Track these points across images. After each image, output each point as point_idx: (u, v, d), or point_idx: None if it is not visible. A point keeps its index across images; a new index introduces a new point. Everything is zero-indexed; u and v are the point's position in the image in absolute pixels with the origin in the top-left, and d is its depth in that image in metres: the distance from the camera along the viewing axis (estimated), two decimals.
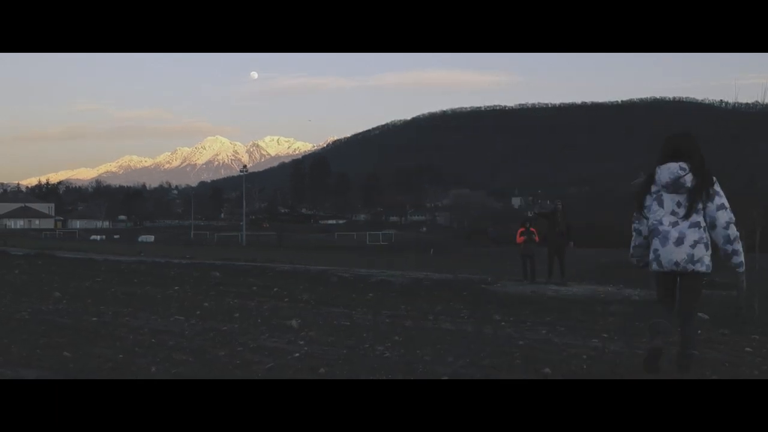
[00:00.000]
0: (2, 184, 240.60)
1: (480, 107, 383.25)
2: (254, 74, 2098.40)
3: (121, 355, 5.07)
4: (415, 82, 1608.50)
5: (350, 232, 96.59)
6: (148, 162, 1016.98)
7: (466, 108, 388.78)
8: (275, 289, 10.41)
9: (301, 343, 5.83)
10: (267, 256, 27.47)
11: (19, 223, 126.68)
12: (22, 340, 5.63)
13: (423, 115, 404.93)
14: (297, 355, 5.17)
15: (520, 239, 16.26)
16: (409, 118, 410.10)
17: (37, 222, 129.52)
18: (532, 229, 16.37)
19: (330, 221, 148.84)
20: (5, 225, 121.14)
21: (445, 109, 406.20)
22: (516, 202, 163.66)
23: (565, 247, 15.11)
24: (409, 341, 5.83)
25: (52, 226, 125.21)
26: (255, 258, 23.08)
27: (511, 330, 6.77)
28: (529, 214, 36.67)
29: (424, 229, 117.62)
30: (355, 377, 4.28)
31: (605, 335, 6.45)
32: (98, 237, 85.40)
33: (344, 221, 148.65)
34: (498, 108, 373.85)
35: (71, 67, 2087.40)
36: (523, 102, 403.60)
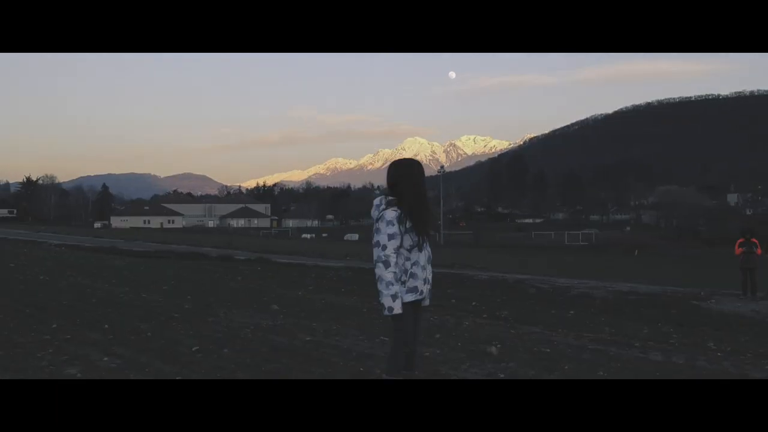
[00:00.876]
0: (226, 186, 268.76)
1: (690, 97, 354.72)
2: (452, 74, 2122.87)
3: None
4: (616, 75, 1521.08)
5: (548, 231, 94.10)
6: (352, 164, 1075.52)
7: (674, 98, 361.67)
8: (473, 303, 10.55)
9: (501, 376, 5.51)
10: (464, 259, 27.91)
11: (240, 222, 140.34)
12: (246, 364, 5.73)
13: (626, 108, 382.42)
14: None
15: (738, 251, 15.09)
16: (611, 111, 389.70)
17: (255, 221, 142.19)
18: (753, 240, 15.14)
19: (527, 220, 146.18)
20: (228, 224, 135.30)
21: (650, 100, 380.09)
22: (732, 199, 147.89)
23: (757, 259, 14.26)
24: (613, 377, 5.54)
25: (268, 225, 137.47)
26: (453, 263, 23.48)
27: (728, 364, 6.17)
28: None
29: (628, 228, 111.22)
30: None
31: None
32: (308, 235, 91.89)
33: (541, 220, 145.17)
34: (710, 97, 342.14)
35: (287, 74, 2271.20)
36: (739, 90, 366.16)
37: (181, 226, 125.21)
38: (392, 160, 4.19)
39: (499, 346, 6.70)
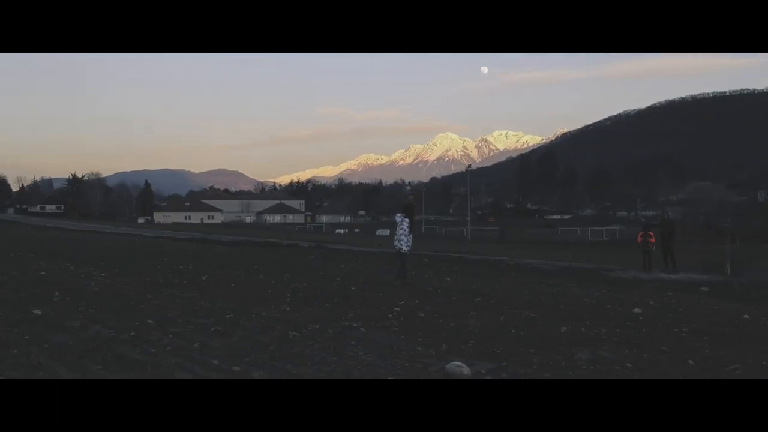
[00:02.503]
0: (261, 182, 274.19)
1: (725, 92, 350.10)
2: (484, 69, 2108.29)
3: None
4: (649, 69, 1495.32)
5: (574, 228, 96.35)
6: (384, 159, 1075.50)
7: (708, 93, 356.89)
8: (455, 267, 14.71)
9: (448, 279, 10.08)
10: (480, 250, 31.67)
11: (276, 218, 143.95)
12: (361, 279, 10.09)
13: (659, 103, 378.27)
14: None
15: (639, 239, 21.50)
16: (643, 107, 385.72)
17: (290, 217, 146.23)
18: (649, 232, 21.30)
19: (555, 216, 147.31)
20: (265, 219, 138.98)
21: (684, 95, 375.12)
22: (762, 195, 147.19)
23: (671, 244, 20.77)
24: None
25: (302, 221, 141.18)
26: (459, 250, 27.47)
27: (593, 291, 11.62)
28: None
29: (654, 224, 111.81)
30: None
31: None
32: (342, 231, 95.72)
33: (570, 216, 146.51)
34: (745, 92, 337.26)
35: (319, 72, 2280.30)
36: None
37: (220, 222, 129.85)
38: (406, 201, 14.12)
39: (449, 279, 12.84)
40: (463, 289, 13.01)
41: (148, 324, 7.60)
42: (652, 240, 21.06)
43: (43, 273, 13.88)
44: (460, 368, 5.51)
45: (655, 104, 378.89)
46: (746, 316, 10.46)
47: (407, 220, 13.59)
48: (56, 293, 10.39)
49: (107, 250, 22.62)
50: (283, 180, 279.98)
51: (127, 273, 14.16)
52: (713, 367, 6.30)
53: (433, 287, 13.13)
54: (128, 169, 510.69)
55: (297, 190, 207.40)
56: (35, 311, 8.53)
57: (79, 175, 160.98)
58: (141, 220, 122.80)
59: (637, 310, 10.70)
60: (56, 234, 39.80)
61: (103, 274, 13.75)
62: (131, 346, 6.54)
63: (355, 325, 8.13)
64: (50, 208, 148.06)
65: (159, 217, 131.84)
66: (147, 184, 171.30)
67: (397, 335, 7.43)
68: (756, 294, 13.71)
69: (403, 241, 13.48)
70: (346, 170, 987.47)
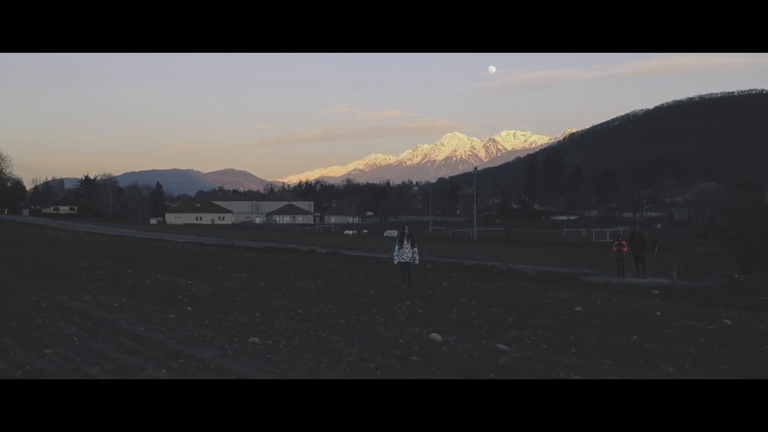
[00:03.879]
0: (269, 182, 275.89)
1: (733, 92, 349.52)
2: (492, 68, 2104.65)
3: None
4: (657, 69, 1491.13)
5: (579, 229, 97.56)
6: (391, 159, 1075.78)
7: (716, 94, 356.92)
8: (453, 273, 16.58)
9: (445, 284, 11.72)
10: (482, 253, 33.35)
11: (285, 219, 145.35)
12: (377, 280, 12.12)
13: (667, 103, 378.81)
14: None
15: (614, 248, 23.78)
16: (651, 107, 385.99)
17: (300, 218, 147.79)
18: (623, 242, 23.42)
19: (561, 217, 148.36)
20: (275, 220, 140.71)
21: (692, 96, 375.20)
22: None
23: (642, 252, 23.14)
24: None
25: (311, 222, 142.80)
26: (460, 255, 29.20)
27: (565, 296, 14.40)
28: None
29: (659, 225, 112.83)
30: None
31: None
32: (350, 232, 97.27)
33: (576, 217, 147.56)
34: (754, 92, 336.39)
35: (326, 72, 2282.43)
36: None
37: (230, 223, 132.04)
38: (407, 232, 16.51)
39: (445, 284, 15.42)
40: (455, 292, 15.96)
41: (256, 315, 11.13)
42: (626, 249, 23.34)
43: (147, 281, 16.17)
44: (435, 336, 9.38)
45: (663, 104, 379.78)
46: (658, 313, 13.22)
47: (411, 240, 16.61)
48: (185, 299, 12.92)
49: (175, 259, 25.06)
50: (291, 180, 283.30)
51: (207, 281, 16.58)
52: (587, 350, 8.91)
53: (431, 291, 16.07)
54: (137, 169, 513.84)
55: (306, 190, 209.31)
56: (186, 307, 11.93)
57: (92, 176, 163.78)
58: (153, 221, 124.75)
59: (578, 308, 13.56)
60: (98, 239, 41.27)
61: (189, 282, 16.31)
62: (264, 327, 10.01)
63: (378, 316, 11.53)
64: (63, 209, 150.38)
65: (170, 218, 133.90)
66: (158, 186, 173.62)
67: (404, 322, 10.96)
68: (694, 297, 16.70)
69: (412, 257, 16.49)
70: (354, 170, 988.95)
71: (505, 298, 15.22)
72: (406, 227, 17.29)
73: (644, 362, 8.00)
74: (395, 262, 16.51)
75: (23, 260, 21.45)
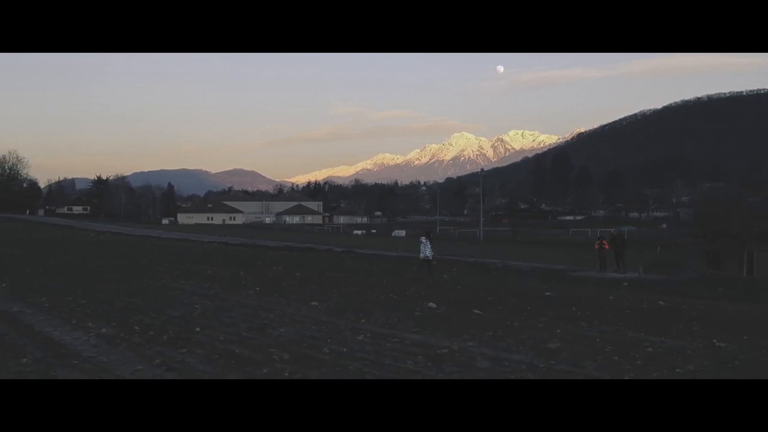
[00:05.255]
0: (278, 182, 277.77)
1: (741, 92, 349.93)
2: (500, 68, 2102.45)
3: None
4: (664, 67, 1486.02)
5: (585, 228, 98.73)
6: (399, 159, 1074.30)
7: (724, 93, 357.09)
8: (454, 269, 18.30)
9: (449, 277, 13.52)
10: (488, 252, 35.02)
11: (295, 219, 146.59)
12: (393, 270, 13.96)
13: (675, 103, 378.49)
14: None
15: (597, 247, 26.47)
16: (659, 107, 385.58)
17: (309, 218, 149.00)
18: (603, 242, 25.99)
19: (567, 217, 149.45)
20: (284, 220, 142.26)
21: (699, 95, 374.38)
22: None
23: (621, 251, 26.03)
24: None
25: (320, 222, 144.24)
26: (465, 254, 30.94)
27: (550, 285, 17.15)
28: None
29: (665, 225, 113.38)
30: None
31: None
32: (359, 232, 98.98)
33: (582, 217, 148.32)
34: (762, 91, 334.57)
35: (333, 71, 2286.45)
36: None
37: (241, 223, 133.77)
38: (427, 230, 22.22)
39: (446, 276, 18.45)
40: (454, 283, 19.12)
41: (307, 292, 15.29)
42: (606, 247, 26.02)
43: (209, 272, 20.09)
44: (432, 305, 13.31)
45: (671, 104, 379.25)
46: (611, 297, 16.47)
47: (429, 241, 20.67)
48: (248, 284, 16.86)
49: (221, 256, 29.34)
50: (299, 180, 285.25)
51: (254, 273, 20.16)
52: (535, 314, 12.61)
53: (435, 281, 19.21)
54: (146, 169, 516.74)
55: (314, 190, 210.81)
56: (255, 287, 16.28)
57: (103, 177, 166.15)
58: (165, 221, 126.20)
59: (548, 293, 16.76)
60: (142, 241, 42.80)
61: (242, 272, 20.25)
62: (317, 297, 14.32)
63: (392, 295, 15.44)
64: (77, 209, 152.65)
65: (182, 219, 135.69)
66: (170, 186, 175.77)
67: (411, 298, 14.95)
68: (659, 288, 19.81)
69: (428, 253, 20.31)
70: (361, 170, 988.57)
71: (493, 286, 18.54)
72: (430, 233, 21.90)
73: (568, 321, 11.76)
74: (421, 257, 20.45)
75: (139, 267, 22.36)
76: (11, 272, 18.83)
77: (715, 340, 9.91)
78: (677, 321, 12.22)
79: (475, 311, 12.69)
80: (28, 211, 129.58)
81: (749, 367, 7.99)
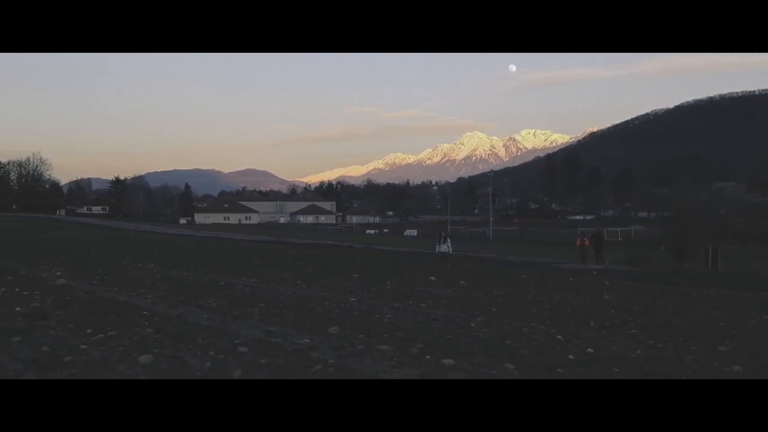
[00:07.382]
0: (291, 182, 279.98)
1: (753, 91, 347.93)
2: (512, 67, 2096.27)
3: None
4: (677, 67, 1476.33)
5: (593, 228, 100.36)
6: (411, 159, 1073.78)
7: (736, 93, 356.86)
8: (453, 260, 21.21)
9: (449, 267, 16.26)
10: (495, 249, 37.58)
11: (309, 219, 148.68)
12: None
13: (687, 102, 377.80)
14: None
15: (578, 243, 30.49)
16: (671, 106, 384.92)
17: (322, 218, 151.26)
18: (585, 239, 29.45)
19: (577, 217, 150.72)
20: (298, 220, 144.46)
21: (712, 95, 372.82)
22: None
23: (600, 246, 29.89)
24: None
25: (333, 222, 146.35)
26: (472, 250, 33.55)
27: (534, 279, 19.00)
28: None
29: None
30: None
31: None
32: (372, 231, 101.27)
33: (592, 217, 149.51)
34: None
35: (345, 71, 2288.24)
36: None
37: (256, 222, 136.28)
38: (446, 233, 25.28)
39: (449, 266, 23.96)
40: (457, 270, 23.04)
41: (344, 276, 19.10)
42: (587, 243, 29.38)
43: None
44: (432, 278, 19.03)
45: (683, 103, 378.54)
46: (571, 279, 21.27)
47: (448, 239, 25.77)
48: (288, 276, 19.22)
49: (264, 252, 30.95)
50: (312, 179, 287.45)
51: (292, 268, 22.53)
52: (510, 288, 17.56)
53: (442, 267, 23.62)
54: (160, 169, 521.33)
55: (327, 190, 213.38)
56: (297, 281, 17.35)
57: (121, 177, 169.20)
58: (182, 221, 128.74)
59: (523, 276, 21.46)
60: (190, 240, 42.81)
61: (290, 261, 24.58)
62: (354, 275, 19.37)
63: (405, 276, 19.70)
64: (96, 209, 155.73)
65: (199, 218, 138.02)
66: (187, 186, 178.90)
67: (419, 278, 19.41)
68: (623, 275, 23.61)
69: (445, 248, 25.32)
70: (373, 170, 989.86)
71: (485, 272, 22.90)
72: (443, 231, 26.54)
73: (520, 288, 17.31)
74: (436, 251, 25.37)
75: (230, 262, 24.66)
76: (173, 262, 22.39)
77: (606, 296, 16.49)
78: (600, 290, 17.97)
79: (461, 282, 18.41)
80: (58, 212, 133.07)
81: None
